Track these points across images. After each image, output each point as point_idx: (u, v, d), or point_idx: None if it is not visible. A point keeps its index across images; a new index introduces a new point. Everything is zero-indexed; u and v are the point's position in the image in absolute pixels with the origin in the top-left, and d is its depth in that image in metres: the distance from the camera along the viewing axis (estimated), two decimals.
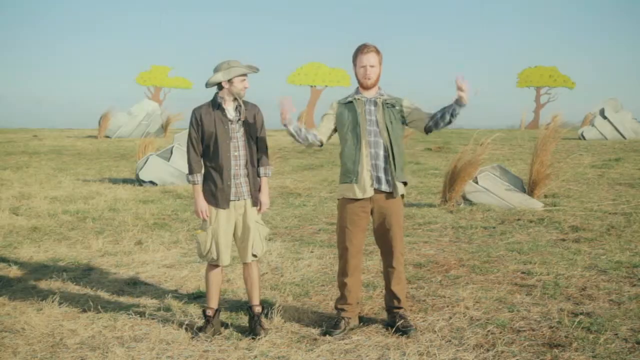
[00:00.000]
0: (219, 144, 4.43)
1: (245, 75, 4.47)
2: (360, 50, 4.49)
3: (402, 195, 4.59)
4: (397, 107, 4.53)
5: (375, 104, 4.52)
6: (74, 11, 69.17)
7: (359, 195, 4.49)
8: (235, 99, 4.49)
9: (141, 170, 12.83)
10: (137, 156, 14.53)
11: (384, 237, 4.56)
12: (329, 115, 4.65)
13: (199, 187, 4.51)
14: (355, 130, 4.50)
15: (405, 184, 4.61)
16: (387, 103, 4.52)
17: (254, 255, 4.55)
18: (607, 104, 23.44)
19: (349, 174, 4.51)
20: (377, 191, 4.49)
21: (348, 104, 4.57)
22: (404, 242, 4.60)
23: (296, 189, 12.15)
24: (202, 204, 4.48)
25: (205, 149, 4.50)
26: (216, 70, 4.44)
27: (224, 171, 4.44)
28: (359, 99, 4.55)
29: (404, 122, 4.59)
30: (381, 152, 4.47)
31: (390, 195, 4.50)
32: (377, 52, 4.51)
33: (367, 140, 4.47)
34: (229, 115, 4.48)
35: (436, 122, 4.50)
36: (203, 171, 4.55)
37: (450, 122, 4.48)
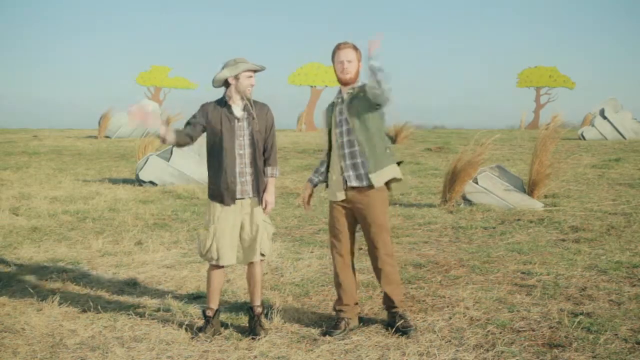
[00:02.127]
0: (224, 141, 4.41)
1: (252, 72, 4.46)
2: (338, 47, 4.53)
3: (389, 186, 4.52)
4: (361, 94, 4.45)
5: (344, 101, 4.52)
6: (74, 11, 69.24)
7: (331, 198, 4.57)
8: (242, 98, 4.49)
9: (141, 170, 12.83)
10: (137, 156, 14.53)
11: (366, 237, 4.56)
12: (325, 123, 4.68)
13: (172, 132, 4.46)
14: (329, 134, 4.58)
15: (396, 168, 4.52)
16: (354, 96, 4.49)
17: (262, 255, 4.55)
18: (607, 104, 23.45)
19: (327, 179, 4.64)
20: (354, 189, 4.47)
21: (330, 106, 4.63)
22: (387, 243, 4.50)
23: (296, 189, 12.14)
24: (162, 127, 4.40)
25: (211, 146, 4.49)
26: (223, 67, 4.44)
27: (228, 169, 4.42)
28: (337, 99, 4.59)
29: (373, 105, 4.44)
30: (355, 149, 4.44)
31: (368, 189, 4.44)
32: (355, 48, 4.51)
33: (339, 143, 4.50)
34: (235, 113, 4.47)
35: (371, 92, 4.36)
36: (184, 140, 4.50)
37: (376, 86, 4.28)
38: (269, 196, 4.55)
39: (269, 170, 4.57)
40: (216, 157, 4.46)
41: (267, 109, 4.58)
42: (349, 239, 4.59)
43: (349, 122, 4.45)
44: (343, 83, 4.55)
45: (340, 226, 4.57)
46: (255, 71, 4.49)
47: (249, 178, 4.48)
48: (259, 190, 4.51)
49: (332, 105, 4.61)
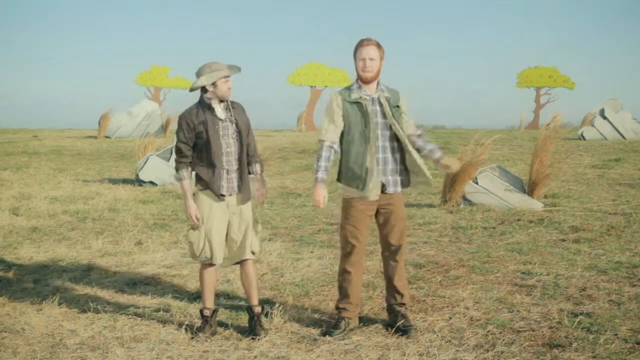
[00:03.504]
0: (211, 143, 4.44)
1: (228, 76, 4.47)
2: (361, 43, 4.45)
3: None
4: (398, 105, 4.51)
5: (381, 104, 4.47)
6: (74, 11, 69.23)
7: (367, 197, 4.47)
8: (222, 100, 4.52)
9: (141, 170, 12.83)
10: (137, 156, 14.53)
11: (390, 234, 4.54)
12: (336, 113, 4.48)
13: (187, 183, 4.51)
14: (364, 133, 4.42)
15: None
16: (390, 102, 4.49)
17: (252, 252, 4.56)
18: (607, 104, 23.46)
19: (355, 180, 4.44)
20: (384, 193, 4.50)
21: (355, 104, 4.46)
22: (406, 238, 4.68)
23: (296, 189, 12.15)
24: (193, 205, 4.48)
25: (198, 149, 4.50)
26: (198, 74, 4.44)
27: (216, 169, 4.46)
28: (365, 98, 4.45)
29: None
30: (390, 156, 4.46)
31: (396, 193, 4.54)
32: (378, 46, 4.45)
33: (376, 145, 4.43)
34: (219, 115, 4.48)
35: (422, 148, 4.61)
36: (191, 170, 4.56)
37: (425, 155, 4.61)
38: (262, 189, 4.66)
39: (257, 167, 4.65)
40: (204, 157, 4.50)
41: (243, 109, 4.63)
42: (366, 239, 4.62)
43: (388, 128, 4.46)
44: (363, 81, 4.48)
45: (361, 226, 4.51)
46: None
47: (234, 175, 4.52)
48: (245, 187, 4.55)
49: (361, 104, 4.44)
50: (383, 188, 4.47)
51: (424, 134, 4.60)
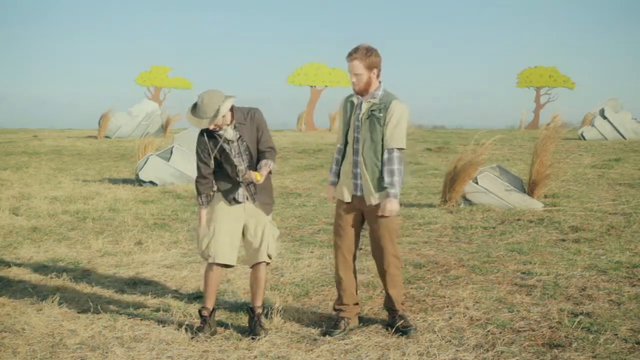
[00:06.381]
0: (223, 163, 4.52)
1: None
2: (347, 57, 4.42)
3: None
4: (381, 115, 4.38)
5: (362, 109, 4.46)
6: (74, 11, 69.12)
7: (339, 197, 4.58)
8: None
9: (141, 170, 12.83)
10: (137, 156, 14.52)
11: (372, 239, 4.55)
12: (342, 115, 4.64)
13: (204, 210, 4.58)
14: (345, 133, 4.57)
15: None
16: (373, 111, 4.41)
17: (269, 256, 4.57)
18: (607, 104, 23.46)
19: (337, 180, 4.65)
20: (358, 196, 4.49)
21: (349, 103, 4.57)
22: (395, 244, 4.53)
23: (296, 189, 12.15)
24: (204, 225, 4.54)
25: (215, 166, 4.57)
26: (199, 104, 4.36)
27: (232, 185, 4.54)
28: (353, 101, 4.53)
29: None
30: (360, 160, 4.45)
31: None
32: (364, 57, 4.34)
33: (352, 147, 4.50)
34: (227, 137, 4.48)
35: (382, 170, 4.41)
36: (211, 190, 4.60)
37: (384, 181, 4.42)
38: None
39: (263, 161, 4.51)
40: (221, 173, 4.56)
41: (254, 114, 4.56)
42: (352, 238, 4.59)
43: (360, 135, 4.44)
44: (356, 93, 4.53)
45: (344, 224, 4.56)
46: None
47: (251, 185, 4.55)
48: (260, 196, 4.58)
49: (352, 104, 4.53)
50: (354, 190, 4.48)
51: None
